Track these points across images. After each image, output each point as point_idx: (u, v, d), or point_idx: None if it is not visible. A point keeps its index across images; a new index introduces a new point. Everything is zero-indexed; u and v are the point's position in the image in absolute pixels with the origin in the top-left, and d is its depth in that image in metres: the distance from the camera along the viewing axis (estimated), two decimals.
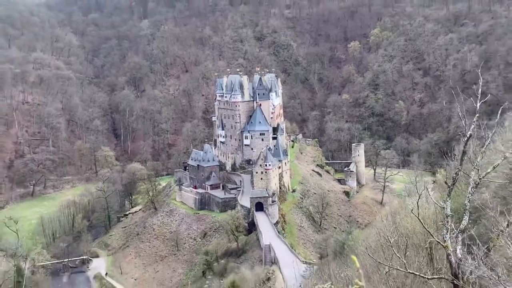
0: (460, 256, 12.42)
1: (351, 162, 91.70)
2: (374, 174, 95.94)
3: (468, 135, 13.51)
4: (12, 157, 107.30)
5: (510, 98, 68.16)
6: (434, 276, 13.13)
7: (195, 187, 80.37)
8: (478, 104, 13.25)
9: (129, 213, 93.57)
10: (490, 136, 13.70)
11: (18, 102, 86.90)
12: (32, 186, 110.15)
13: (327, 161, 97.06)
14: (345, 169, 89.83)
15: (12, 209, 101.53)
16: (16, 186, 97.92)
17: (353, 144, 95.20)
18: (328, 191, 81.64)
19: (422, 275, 13.00)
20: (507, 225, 12.26)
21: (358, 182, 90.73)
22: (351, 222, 75.63)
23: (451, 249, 12.65)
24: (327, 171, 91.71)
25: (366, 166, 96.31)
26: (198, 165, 78.75)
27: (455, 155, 27.12)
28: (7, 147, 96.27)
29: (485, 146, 13.91)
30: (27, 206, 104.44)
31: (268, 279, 48.18)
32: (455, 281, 11.88)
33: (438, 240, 13.07)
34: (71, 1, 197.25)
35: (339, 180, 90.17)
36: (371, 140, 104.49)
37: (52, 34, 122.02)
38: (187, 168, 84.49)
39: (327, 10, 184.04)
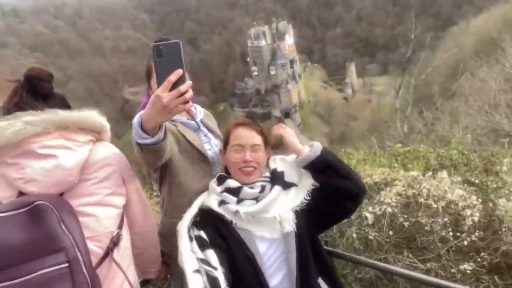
0: (406, 131, 14.31)
1: (346, 77, 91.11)
2: (363, 82, 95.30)
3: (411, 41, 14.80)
4: (122, 103, 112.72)
5: (459, 14, 64.87)
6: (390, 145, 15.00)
7: (243, 107, 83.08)
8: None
9: None
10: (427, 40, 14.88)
11: (118, 66, 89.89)
12: None
13: (330, 78, 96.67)
14: (343, 82, 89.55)
15: (128, 135, 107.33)
16: (128, 121, 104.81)
17: (346, 63, 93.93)
18: (332, 98, 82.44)
19: (381, 144, 15.04)
20: None
21: (352, 90, 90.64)
22: (348, 117, 77.33)
23: (399, 126, 14.61)
24: (330, 85, 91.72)
25: (358, 77, 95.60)
26: (242, 92, 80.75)
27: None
28: (118, 96, 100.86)
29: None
30: None
31: None
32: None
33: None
34: None
35: (339, 90, 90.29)
36: (359, 59, 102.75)
37: (131, 15, 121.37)
38: (235, 95, 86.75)
39: None
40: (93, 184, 1.14)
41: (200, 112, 1.62)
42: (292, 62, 78.79)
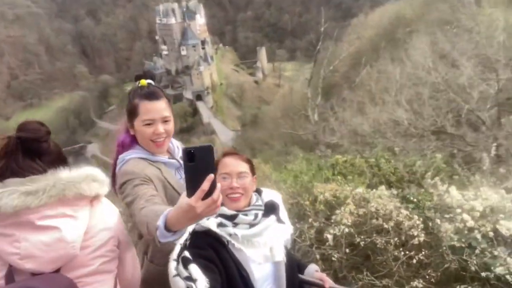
0: (316, 119, 15.20)
1: (257, 61, 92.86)
2: (273, 67, 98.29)
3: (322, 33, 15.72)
4: (9, 79, 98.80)
5: (358, 6, 70.23)
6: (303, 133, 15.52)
7: None
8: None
9: (107, 111, 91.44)
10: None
11: (4, 36, 78.29)
12: (30, 100, 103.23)
13: (241, 61, 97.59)
14: (254, 65, 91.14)
15: (18, 117, 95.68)
16: (18, 100, 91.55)
17: (257, 47, 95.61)
18: (244, 81, 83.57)
19: (295, 132, 15.69)
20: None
21: (263, 74, 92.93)
22: (260, 101, 79.52)
23: (311, 115, 15.47)
24: (242, 68, 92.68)
25: (268, 62, 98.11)
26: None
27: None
28: (4, 71, 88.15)
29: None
30: (29, 114, 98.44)
31: (210, 142, 51.47)
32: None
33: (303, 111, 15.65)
34: None
35: (250, 74, 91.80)
36: (269, 44, 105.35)
37: None
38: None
39: None
40: (90, 253, 1.06)
41: (178, 147, 1.58)
42: (203, 43, 77.24)
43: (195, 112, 67.93)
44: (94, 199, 1.14)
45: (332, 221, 2.10)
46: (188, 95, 70.76)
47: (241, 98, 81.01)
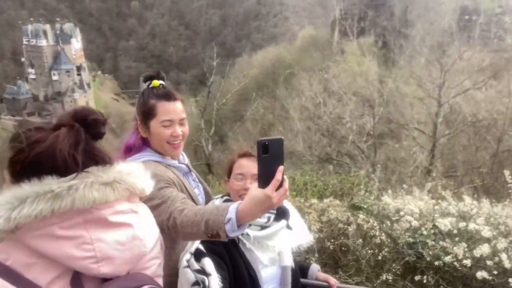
0: (210, 150, 15.41)
1: (139, 91, 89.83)
2: None
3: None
4: None
5: (240, 46, 74.95)
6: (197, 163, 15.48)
7: (13, 116, 69.28)
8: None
9: None
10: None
11: None
12: None
13: (123, 91, 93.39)
14: (136, 95, 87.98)
15: None
16: None
17: (140, 77, 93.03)
18: (125, 112, 79.69)
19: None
20: None
21: None
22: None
23: (204, 146, 15.60)
24: (123, 98, 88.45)
25: None
26: (13, 97, 67.39)
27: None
28: None
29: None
30: None
31: None
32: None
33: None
34: None
35: (132, 104, 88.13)
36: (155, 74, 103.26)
37: None
38: (4, 100, 71.57)
39: None
40: (147, 254, 0.94)
41: (182, 153, 1.54)
42: (79, 68, 71.83)
43: None
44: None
45: (313, 228, 2.22)
46: None
47: (122, 128, 76.32)
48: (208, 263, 1.21)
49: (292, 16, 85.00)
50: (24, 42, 66.56)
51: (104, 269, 0.82)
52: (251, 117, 18.43)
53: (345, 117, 8.70)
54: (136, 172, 0.94)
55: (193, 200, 1.41)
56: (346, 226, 2.18)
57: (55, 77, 67.89)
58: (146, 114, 1.38)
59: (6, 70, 75.36)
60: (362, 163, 7.84)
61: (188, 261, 1.23)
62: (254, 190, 0.98)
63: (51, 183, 0.80)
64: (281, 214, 1.49)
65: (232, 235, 1.03)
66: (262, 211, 0.98)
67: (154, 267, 0.96)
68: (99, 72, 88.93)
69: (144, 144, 1.43)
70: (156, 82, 1.43)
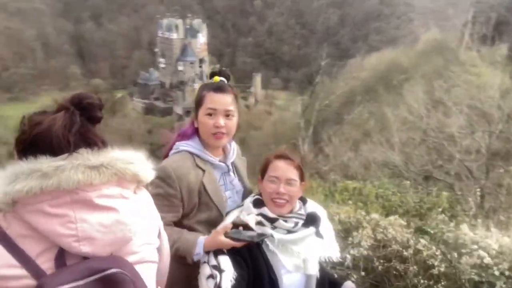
0: (306, 150, 15.34)
1: (251, 86, 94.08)
2: (266, 94, 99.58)
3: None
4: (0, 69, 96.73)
5: (355, 47, 72.52)
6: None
7: (143, 99, 79.05)
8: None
9: None
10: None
11: (2, 27, 77.35)
12: (16, 93, 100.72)
13: (236, 84, 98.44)
14: (247, 90, 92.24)
15: (1, 109, 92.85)
16: (5, 92, 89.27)
17: (253, 73, 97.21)
18: None
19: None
20: None
21: (256, 99, 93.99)
22: (249, 125, 79.76)
23: (301, 144, 15.58)
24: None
25: (262, 89, 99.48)
26: (145, 83, 76.95)
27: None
28: None
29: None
30: (13, 106, 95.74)
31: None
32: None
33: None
34: None
35: (243, 98, 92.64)
36: (265, 71, 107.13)
37: None
38: (137, 85, 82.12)
39: None
40: (138, 239, 1.00)
41: (233, 151, 1.57)
42: (201, 61, 78.32)
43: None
44: (136, 186, 1.07)
45: (349, 242, 2.10)
46: (178, 110, 70.73)
47: None
48: (223, 260, 1.23)
49: (418, 17, 78.61)
50: (159, 35, 75.15)
51: (85, 248, 0.86)
52: (352, 121, 17.79)
53: (453, 131, 7.77)
54: (129, 159, 0.96)
55: (212, 202, 1.43)
56: (402, 249, 1.99)
57: (180, 68, 75.18)
58: (197, 104, 1.47)
59: (142, 59, 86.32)
60: (468, 185, 6.94)
61: (207, 257, 1.28)
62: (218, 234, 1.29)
63: (43, 162, 0.85)
64: (311, 220, 1.44)
65: (198, 259, 1.33)
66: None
67: (145, 252, 0.99)
68: (218, 66, 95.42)
69: (194, 133, 1.48)
70: (217, 78, 1.49)
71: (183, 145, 1.45)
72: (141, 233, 1.00)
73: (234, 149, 1.57)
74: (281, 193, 1.36)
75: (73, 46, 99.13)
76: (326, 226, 1.53)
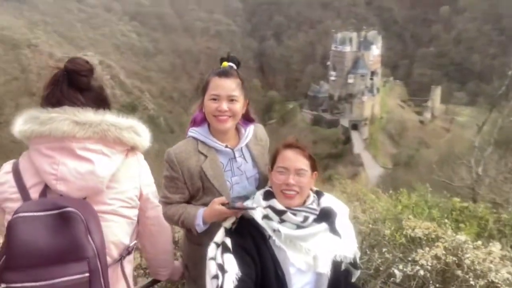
0: (480, 173, 13.04)
1: (428, 100, 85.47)
2: (446, 109, 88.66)
3: None
4: (199, 83, 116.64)
5: None
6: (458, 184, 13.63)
7: (311, 110, 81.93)
8: None
9: (267, 124, 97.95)
10: None
11: (204, 47, 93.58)
12: None
13: (410, 98, 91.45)
14: (423, 104, 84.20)
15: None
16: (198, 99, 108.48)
17: (432, 86, 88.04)
18: (407, 119, 78.09)
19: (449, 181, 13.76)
20: None
21: (432, 114, 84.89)
22: (420, 142, 72.60)
23: (474, 166, 13.32)
24: (409, 105, 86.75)
25: (441, 103, 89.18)
26: (314, 95, 79.67)
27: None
28: (196, 76, 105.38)
29: None
30: None
31: (355, 174, 49.99)
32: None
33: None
34: None
35: (417, 112, 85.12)
36: (447, 83, 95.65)
37: (225, 1, 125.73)
38: (307, 97, 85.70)
39: None
40: (112, 194, 1.16)
41: (247, 135, 1.56)
42: (373, 73, 75.91)
43: (347, 140, 66.86)
44: (130, 150, 1.25)
45: (410, 259, 1.81)
46: (344, 122, 70.36)
47: (400, 135, 75.58)
48: (228, 260, 1.20)
49: None
50: (332, 48, 76.67)
51: (61, 187, 1.07)
52: None
53: None
54: (119, 125, 1.15)
55: (214, 187, 1.45)
56: (469, 278, 1.59)
57: (350, 80, 74.82)
58: (202, 89, 1.51)
59: (315, 72, 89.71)
60: None
61: (214, 253, 1.24)
62: (215, 203, 1.35)
63: (42, 112, 1.11)
64: (324, 216, 1.35)
65: (201, 231, 1.41)
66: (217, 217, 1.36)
67: (117, 206, 1.15)
68: (391, 78, 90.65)
69: (204, 120, 1.52)
70: (225, 64, 1.51)
71: (190, 132, 1.52)
72: (116, 190, 1.15)
73: (249, 134, 1.55)
74: (290, 184, 1.31)
75: (256, 61, 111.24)
76: (345, 224, 1.40)
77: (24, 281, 0.93)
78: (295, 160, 1.34)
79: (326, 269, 1.26)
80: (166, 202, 1.46)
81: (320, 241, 1.28)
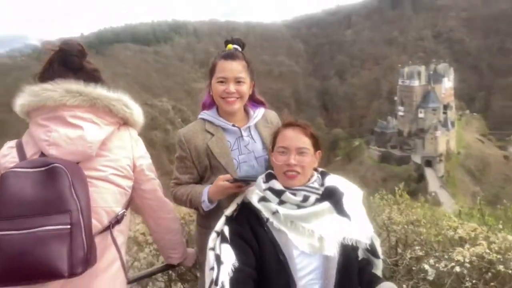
0: None
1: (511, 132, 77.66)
2: None
3: None
4: None
5: None
6: None
7: (379, 147, 78.78)
8: None
9: (333, 161, 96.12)
10: None
11: (267, 88, 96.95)
12: None
13: (491, 131, 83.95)
14: (507, 138, 76.53)
15: None
16: None
17: None
18: (489, 154, 71.26)
19: None
20: None
21: None
22: (506, 179, 65.15)
23: None
24: (489, 139, 79.41)
25: None
26: (382, 131, 76.82)
27: None
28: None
29: None
30: None
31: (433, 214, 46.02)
32: None
33: None
34: (299, 20, 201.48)
35: (500, 147, 77.42)
36: None
37: (288, 43, 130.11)
38: (374, 133, 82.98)
39: (499, 8, 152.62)
40: (103, 161, 1.22)
41: (256, 116, 1.55)
42: (446, 107, 71.55)
43: (420, 178, 62.38)
44: (123, 125, 1.31)
45: (447, 256, 1.57)
46: (416, 159, 66.19)
47: (482, 172, 68.68)
48: (225, 251, 1.16)
49: None
50: (399, 83, 74.45)
51: (53, 152, 1.16)
52: None
53: None
54: (110, 97, 1.24)
55: (220, 165, 1.45)
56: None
57: (421, 115, 71.45)
58: (210, 73, 1.50)
59: (381, 107, 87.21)
60: None
61: (214, 242, 1.22)
62: (219, 180, 1.35)
63: (37, 85, 1.20)
64: (327, 195, 1.24)
65: (207, 209, 1.41)
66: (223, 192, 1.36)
67: (108, 174, 1.22)
68: (467, 111, 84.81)
69: (213, 103, 1.53)
70: (230, 46, 1.51)
71: (200, 114, 1.55)
72: (108, 158, 1.22)
73: (258, 115, 1.55)
74: (291, 165, 1.24)
75: (319, 100, 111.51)
76: (356, 206, 1.27)
77: (5, 230, 0.99)
78: (296, 139, 1.27)
79: (333, 252, 1.16)
80: (176, 183, 1.50)
81: (325, 223, 1.19)
